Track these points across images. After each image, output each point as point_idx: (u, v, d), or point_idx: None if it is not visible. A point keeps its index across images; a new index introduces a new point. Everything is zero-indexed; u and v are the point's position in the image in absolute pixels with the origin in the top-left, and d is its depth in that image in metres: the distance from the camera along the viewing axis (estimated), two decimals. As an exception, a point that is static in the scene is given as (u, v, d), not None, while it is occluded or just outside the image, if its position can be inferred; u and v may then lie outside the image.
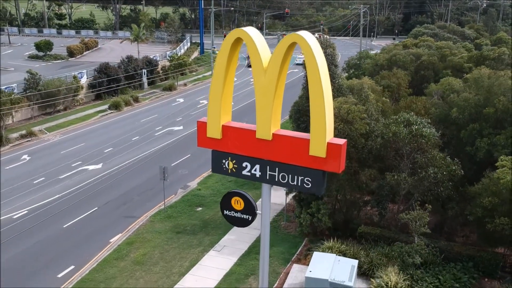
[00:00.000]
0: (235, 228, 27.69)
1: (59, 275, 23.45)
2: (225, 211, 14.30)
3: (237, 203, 14.65)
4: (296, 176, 12.70)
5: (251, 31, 12.45)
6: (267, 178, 13.06)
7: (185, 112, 53.96)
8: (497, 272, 22.58)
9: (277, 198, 29.41)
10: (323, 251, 22.30)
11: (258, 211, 13.98)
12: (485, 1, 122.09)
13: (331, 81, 31.63)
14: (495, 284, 21.61)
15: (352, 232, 25.50)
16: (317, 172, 12.67)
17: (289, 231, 27.37)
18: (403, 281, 20.12)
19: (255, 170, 13.31)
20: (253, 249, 25.21)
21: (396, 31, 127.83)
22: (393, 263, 21.39)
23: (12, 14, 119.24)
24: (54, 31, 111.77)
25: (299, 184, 12.71)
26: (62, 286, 22.61)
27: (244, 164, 13.52)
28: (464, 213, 22.81)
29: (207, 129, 13.45)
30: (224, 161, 13.91)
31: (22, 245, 25.92)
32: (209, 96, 13.16)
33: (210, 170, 37.18)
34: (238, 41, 12.48)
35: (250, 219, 13.99)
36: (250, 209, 14.27)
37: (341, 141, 12.25)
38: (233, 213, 14.28)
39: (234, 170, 14.04)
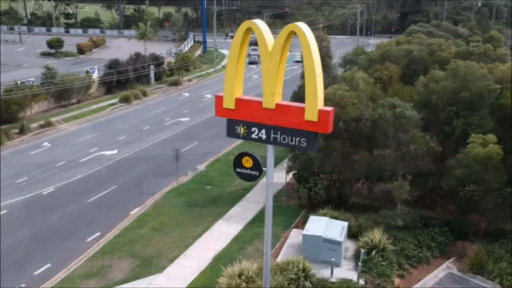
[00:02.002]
0: (241, 202, 31.10)
1: (88, 239, 26.81)
2: (237, 168, 17.59)
3: (247, 162, 17.97)
4: (294, 137, 16.12)
5: (259, 23, 15.90)
6: (271, 139, 16.47)
7: (191, 105, 57.33)
8: (470, 235, 25.95)
9: (277, 179, 32.64)
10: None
11: (264, 168, 17.35)
12: (479, 0, 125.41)
13: (326, 71, 36.07)
14: (467, 245, 24.95)
15: (344, 204, 28.82)
16: (311, 133, 16.09)
17: (289, 204, 30.73)
18: (387, 239, 23.47)
19: (262, 134, 16.74)
20: (257, 219, 28.58)
21: (393, 30, 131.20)
22: (378, 226, 24.72)
23: (20, 14, 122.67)
24: (62, 29, 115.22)
25: (297, 144, 16.13)
26: (91, 248, 25.97)
27: (252, 129, 16.95)
28: (441, 185, 26.14)
29: (223, 101, 16.90)
30: (236, 127, 17.34)
31: (54, 216, 29.30)
32: (225, 74, 16.54)
33: (216, 155, 40.43)
34: (248, 30, 15.92)
35: (257, 174, 17.30)
36: (257, 167, 17.65)
37: (329, 108, 15.75)
38: (243, 170, 17.62)
39: (245, 134, 17.48)
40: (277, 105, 16.09)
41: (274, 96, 16.03)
